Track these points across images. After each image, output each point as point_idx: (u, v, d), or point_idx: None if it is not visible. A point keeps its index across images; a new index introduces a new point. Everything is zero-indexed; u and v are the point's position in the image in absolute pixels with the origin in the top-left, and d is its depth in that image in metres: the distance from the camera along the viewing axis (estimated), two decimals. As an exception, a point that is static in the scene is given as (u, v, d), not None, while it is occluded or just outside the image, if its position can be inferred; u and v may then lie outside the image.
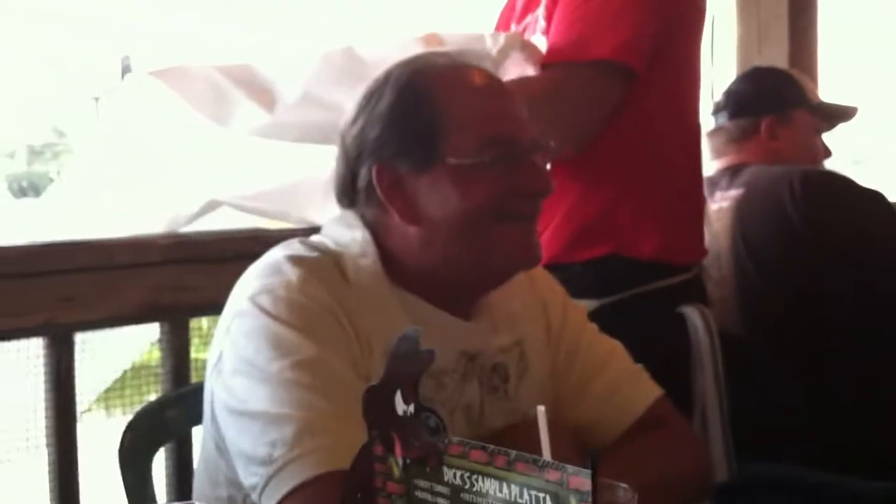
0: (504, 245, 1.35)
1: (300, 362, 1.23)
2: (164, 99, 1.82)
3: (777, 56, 3.23)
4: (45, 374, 1.78)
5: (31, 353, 1.79)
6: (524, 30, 2.04)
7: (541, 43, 1.93)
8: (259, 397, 1.23)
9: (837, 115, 2.57)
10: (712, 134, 2.50)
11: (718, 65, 3.33)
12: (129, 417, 1.58)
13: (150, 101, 1.84)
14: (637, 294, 1.92)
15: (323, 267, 1.33)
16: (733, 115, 2.47)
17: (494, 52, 1.77)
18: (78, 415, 1.82)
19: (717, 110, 2.52)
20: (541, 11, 1.96)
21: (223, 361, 1.30)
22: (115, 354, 2.01)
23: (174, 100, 1.82)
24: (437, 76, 1.37)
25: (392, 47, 1.70)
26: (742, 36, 3.31)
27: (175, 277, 1.86)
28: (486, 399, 1.41)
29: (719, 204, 2.36)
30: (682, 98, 1.99)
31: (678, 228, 1.99)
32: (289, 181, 1.97)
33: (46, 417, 1.78)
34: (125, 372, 2.06)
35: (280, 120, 1.81)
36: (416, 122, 1.33)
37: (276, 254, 1.36)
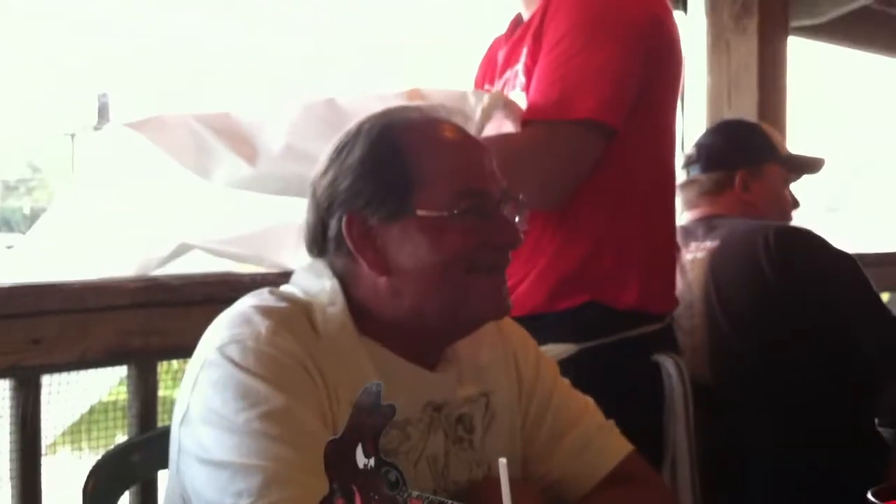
0: (473, 297, 1.36)
1: (268, 413, 1.23)
2: (143, 149, 1.81)
3: (747, 106, 3.28)
4: (11, 415, 1.77)
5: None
6: (504, 84, 2.06)
7: (520, 99, 1.95)
8: (226, 447, 1.23)
9: (806, 166, 2.61)
10: (685, 186, 2.53)
11: (689, 115, 3.38)
12: (98, 455, 1.57)
13: (127, 148, 1.83)
14: (614, 341, 1.94)
15: (292, 318, 1.33)
16: (706, 169, 2.51)
17: (478, 111, 1.78)
18: (43, 452, 1.81)
19: (690, 163, 2.55)
20: (520, 67, 1.98)
21: (190, 412, 1.30)
22: (83, 392, 1.99)
23: (153, 151, 1.81)
24: (408, 129, 1.38)
25: (374, 100, 1.71)
26: (712, 86, 3.37)
27: (144, 321, 1.86)
28: (451, 450, 1.42)
29: (694, 254, 2.39)
30: (658, 150, 2.03)
31: (655, 279, 2.01)
32: (261, 226, 1.97)
33: (11, 459, 1.77)
34: (92, 409, 2.05)
35: (262, 172, 1.81)
36: (387, 174, 1.34)
37: (244, 303, 1.37)
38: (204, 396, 1.28)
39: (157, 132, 1.81)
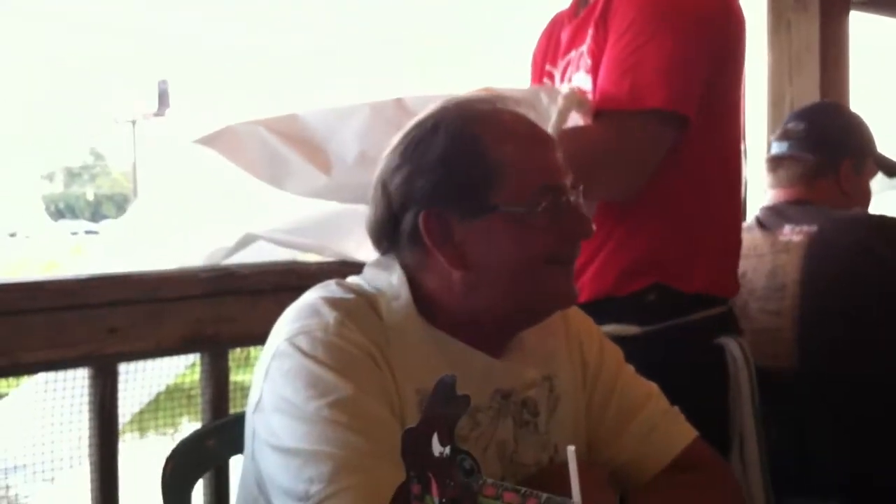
0: (547, 288, 1.38)
1: (337, 401, 1.26)
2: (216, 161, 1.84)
3: (808, 87, 3.25)
4: (90, 402, 1.83)
5: (76, 381, 1.85)
6: (567, 65, 2.06)
7: (586, 81, 1.96)
8: (297, 435, 1.26)
9: (891, 168, 2.56)
10: (785, 161, 2.46)
11: (749, 96, 3.34)
12: (162, 438, 1.62)
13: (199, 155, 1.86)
14: (678, 324, 1.95)
15: (359, 309, 1.36)
16: (814, 149, 2.43)
17: (553, 112, 1.78)
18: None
19: (792, 137, 2.47)
20: (585, 48, 1.98)
21: (263, 400, 1.34)
22: (153, 378, 2.05)
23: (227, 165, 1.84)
24: (485, 125, 1.38)
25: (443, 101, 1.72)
26: (773, 67, 3.33)
27: (215, 310, 1.91)
28: (519, 434, 1.44)
29: (789, 237, 2.36)
30: (726, 137, 2.02)
31: (721, 263, 2.02)
32: (325, 214, 1.99)
33: (90, 444, 1.84)
34: (159, 395, 2.10)
35: (338, 182, 1.82)
36: (468, 171, 1.36)
37: (312, 295, 1.40)
38: (275, 385, 1.32)
39: (229, 147, 1.83)
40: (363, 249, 2.03)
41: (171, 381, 2.09)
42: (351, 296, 1.39)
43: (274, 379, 1.32)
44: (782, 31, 3.33)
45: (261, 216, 1.99)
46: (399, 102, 1.85)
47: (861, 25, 3.67)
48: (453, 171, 1.35)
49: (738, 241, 2.10)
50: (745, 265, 2.34)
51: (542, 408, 1.47)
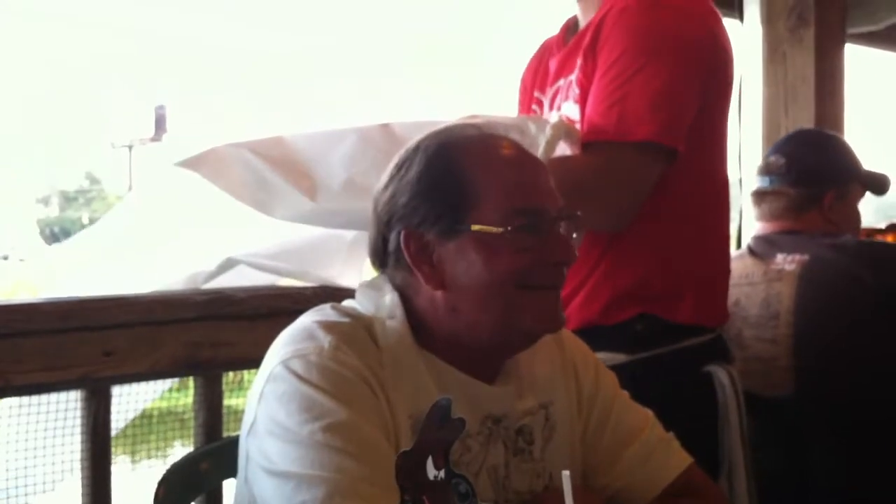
0: (527, 313, 1.37)
1: (331, 425, 1.26)
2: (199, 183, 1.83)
3: (804, 118, 3.26)
4: (82, 424, 1.83)
5: (69, 404, 1.84)
6: (556, 93, 2.07)
7: (574, 110, 1.96)
8: (291, 459, 1.26)
9: (881, 186, 2.58)
10: (769, 196, 2.49)
11: (745, 126, 3.37)
12: (153, 462, 1.61)
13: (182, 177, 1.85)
14: (666, 352, 1.95)
15: (353, 333, 1.37)
16: (796, 184, 2.46)
17: (541, 141, 1.79)
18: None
19: (775, 172, 2.50)
20: (574, 78, 1.99)
21: (257, 423, 1.33)
22: (137, 396, 2.04)
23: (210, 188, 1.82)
24: (464, 146, 1.41)
25: (429, 126, 1.72)
26: (769, 98, 3.35)
27: (211, 333, 1.91)
28: (512, 461, 1.44)
29: (782, 266, 2.38)
30: (713, 167, 2.02)
31: (709, 293, 2.02)
32: (307, 240, 1.99)
33: (83, 467, 1.83)
34: (150, 417, 2.09)
35: (324, 208, 1.82)
36: (442, 191, 1.37)
37: (307, 319, 1.40)
38: (269, 409, 1.32)
39: (213, 170, 1.82)
40: (346, 276, 2.04)
41: (157, 397, 2.07)
42: (346, 319, 1.39)
43: (268, 402, 1.32)
44: (778, 63, 3.35)
45: (242, 240, 1.98)
46: (386, 128, 1.86)
47: (856, 57, 3.71)
48: (428, 191, 1.37)
49: (727, 271, 2.10)
50: (737, 293, 2.36)
51: (537, 435, 1.47)
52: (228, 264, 1.97)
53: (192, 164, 1.82)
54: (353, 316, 1.41)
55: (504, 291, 1.36)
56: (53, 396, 1.83)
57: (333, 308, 1.43)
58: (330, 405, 1.27)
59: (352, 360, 1.32)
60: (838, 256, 2.32)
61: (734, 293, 2.26)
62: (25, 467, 1.86)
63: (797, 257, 2.36)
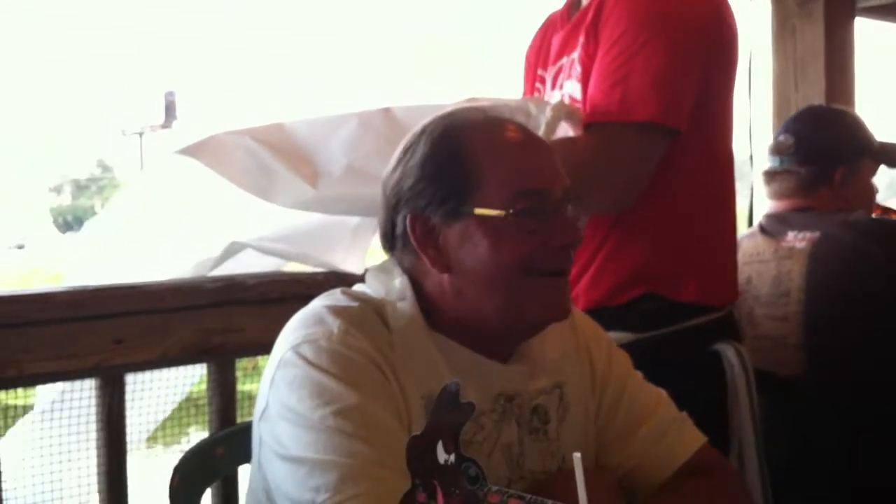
0: (534, 299, 1.37)
1: (342, 410, 1.26)
2: (202, 171, 1.82)
3: (814, 92, 3.24)
4: (97, 413, 1.84)
5: (83, 393, 1.85)
6: (559, 71, 2.06)
7: (576, 89, 1.96)
8: (303, 444, 1.27)
9: (892, 157, 2.57)
10: (777, 176, 2.50)
11: (756, 101, 3.34)
12: (170, 447, 1.62)
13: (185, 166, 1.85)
14: (673, 331, 1.94)
15: (363, 316, 1.37)
16: (805, 162, 2.46)
17: (542, 122, 1.78)
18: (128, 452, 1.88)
19: (784, 152, 2.50)
20: (576, 56, 1.98)
21: (269, 409, 1.34)
22: (166, 391, 2.05)
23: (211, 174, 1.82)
24: (470, 129, 1.40)
25: (431, 110, 1.70)
26: (778, 73, 3.33)
27: (222, 319, 1.91)
28: (526, 440, 1.44)
29: (793, 244, 2.38)
30: (716, 144, 2.01)
31: (715, 272, 2.01)
32: (312, 224, 1.99)
33: (98, 456, 1.84)
34: (173, 408, 2.10)
35: (324, 194, 1.82)
36: (446, 174, 1.37)
37: (318, 304, 1.40)
38: (281, 394, 1.32)
39: (214, 157, 1.81)
40: (349, 261, 2.03)
41: (185, 393, 2.08)
42: (356, 303, 1.40)
43: (279, 388, 1.33)
44: (787, 37, 3.33)
45: (246, 225, 1.97)
46: (387, 113, 1.85)
47: (866, 31, 3.68)
48: (433, 175, 1.37)
49: (733, 250, 2.09)
50: (749, 271, 2.36)
51: (552, 415, 1.47)
52: (233, 248, 1.97)
53: (192, 151, 1.82)
54: (364, 300, 1.41)
55: (509, 277, 1.35)
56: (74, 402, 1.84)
57: (344, 292, 1.44)
58: (340, 389, 1.28)
59: (362, 344, 1.32)
60: (848, 233, 2.32)
61: (746, 271, 2.25)
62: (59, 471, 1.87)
63: (808, 235, 2.36)
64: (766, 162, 2.55)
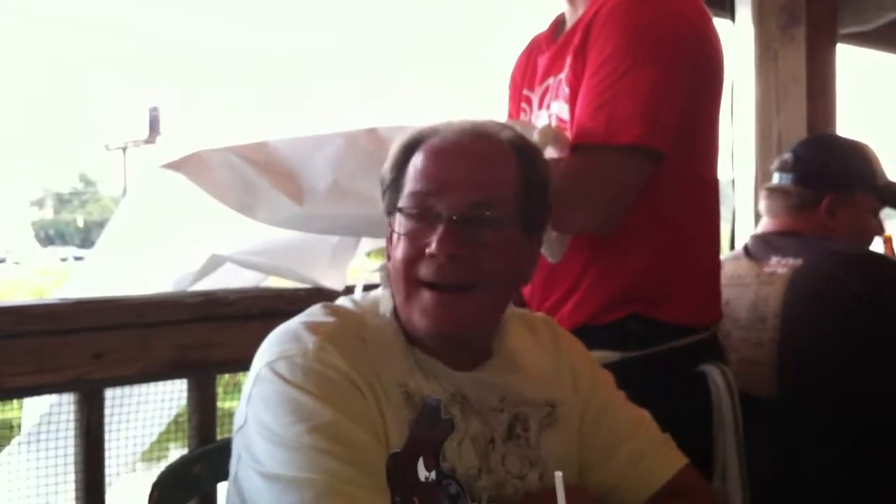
0: (414, 308, 1.38)
1: (317, 427, 1.26)
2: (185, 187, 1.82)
3: (795, 117, 3.26)
4: (75, 428, 1.82)
5: (62, 407, 1.84)
6: (545, 91, 2.07)
7: (563, 110, 1.97)
8: (278, 461, 1.26)
9: (891, 201, 2.53)
10: (772, 193, 2.50)
11: (738, 125, 3.37)
12: (151, 464, 1.61)
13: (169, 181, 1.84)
14: (658, 351, 1.95)
15: (339, 332, 1.37)
16: (797, 182, 2.46)
17: None
18: (107, 471, 1.86)
19: (783, 169, 2.51)
20: (564, 76, 1.98)
21: (247, 425, 1.34)
22: (153, 413, 2.04)
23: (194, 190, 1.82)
24: (424, 138, 1.42)
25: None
26: (760, 97, 3.35)
27: (202, 335, 1.90)
28: (503, 443, 1.42)
29: (774, 269, 2.38)
30: (703, 169, 2.02)
31: (699, 294, 2.01)
32: (294, 238, 1.98)
33: (76, 471, 1.83)
34: (168, 424, 2.09)
35: (309, 212, 1.81)
36: (394, 179, 1.41)
37: (295, 320, 1.41)
38: (257, 411, 1.32)
39: (198, 172, 1.81)
40: (330, 278, 2.03)
41: (173, 413, 2.07)
42: (332, 319, 1.40)
43: (255, 404, 1.33)
44: (769, 62, 3.35)
45: (227, 238, 1.97)
46: (372, 133, 1.85)
47: (848, 56, 3.71)
48: (388, 180, 1.43)
49: (717, 270, 2.10)
50: (728, 293, 2.36)
51: (533, 424, 1.47)
52: (214, 261, 1.97)
53: (176, 166, 1.82)
54: (342, 314, 1.42)
55: (399, 280, 1.38)
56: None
57: (323, 307, 1.44)
58: (315, 406, 1.28)
59: (336, 361, 1.32)
60: (829, 261, 2.32)
61: (725, 293, 2.26)
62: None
63: (790, 261, 2.36)
64: (772, 178, 2.56)
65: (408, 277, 1.36)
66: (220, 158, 1.83)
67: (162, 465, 1.60)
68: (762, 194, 2.53)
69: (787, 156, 2.52)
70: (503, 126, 1.48)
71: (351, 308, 1.44)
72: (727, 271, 2.38)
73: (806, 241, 2.39)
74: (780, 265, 2.37)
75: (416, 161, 1.39)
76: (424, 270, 1.35)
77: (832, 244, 2.37)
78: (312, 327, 1.37)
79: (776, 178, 2.51)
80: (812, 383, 2.26)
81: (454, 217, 1.34)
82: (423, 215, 1.35)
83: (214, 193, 1.81)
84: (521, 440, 1.45)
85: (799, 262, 2.34)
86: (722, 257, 2.19)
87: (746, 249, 2.49)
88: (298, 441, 1.25)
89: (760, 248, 2.44)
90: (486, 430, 1.41)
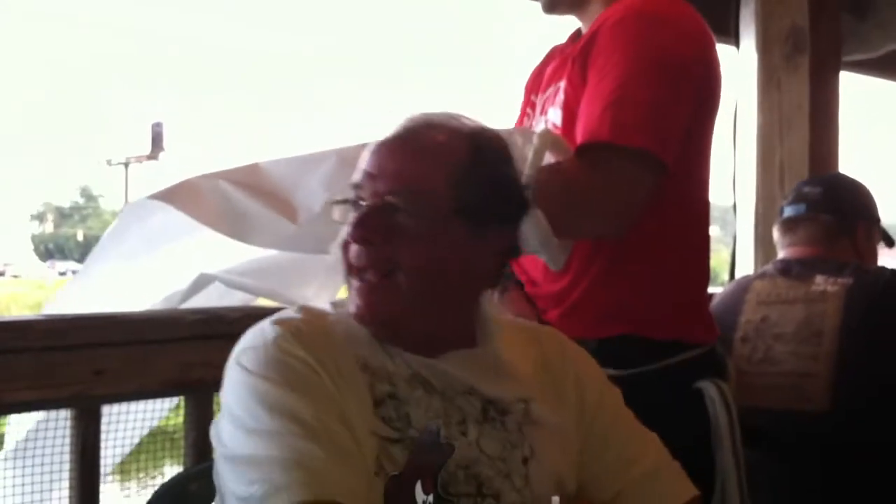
0: (351, 295, 1.43)
1: (276, 408, 1.30)
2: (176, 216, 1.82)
3: (798, 145, 3.27)
4: (71, 444, 1.82)
5: (58, 423, 1.83)
6: (546, 99, 2.08)
7: (557, 116, 1.97)
8: (241, 443, 1.30)
9: (890, 239, 2.72)
10: (802, 223, 2.59)
11: (740, 152, 3.37)
12: (145, 480, 1.60)
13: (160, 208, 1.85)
14: (652, 369, 1.95)
15: (302, 326, 1.40)
16: (829, 210, 2.57)
17: (529, 153, 1.77)
18: (101, 484, 1.86)
19: (810, 199, 2.61)
20: (562, 84, 1.99)
21: (219, 415, 1.39)
22: (138, 421, 2.03)
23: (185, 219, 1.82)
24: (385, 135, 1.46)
25: None
26: (763, 125, 3.36)
27: (202, 353, 1.90)
28: (482, 427, 1.41)
29: (823, 287, 2.46)
30: (696, 190, 2.03)
31: (691, 312, 2.02)
32: (285, 258, 1.98)
33: (70, 487, 1.82)
34: (142, 438, 2.09)
35: (304, 232, 1.81)
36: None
37: (266, 319, 1.44)
38: (225, 401, 1.37)
39: (188, 202, 1.81)
40: (322, 297, 2.03)
41: (153, 424, 2.07)
42: (299, 315, 1.43)
43: (224, 395, 1.38)
44: (773, 90, 3.36)
45: (216, 256, 1.97)
46: (364, 147, 1.86)
47: (852, 85, 3.72)
48: None
49: (706, 289, 2.12)
50: (767, 311, 2.47)
51: (513, 411, 1.45)
52: (202, 281, 1.97)
53: (165, 196, 1.82)
54: (310, 312, 1.45)
55: (343, 267, 1.43)
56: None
57: (296, 308, 1.47)
58: (274, 391, 1.32)
59: (295, 349, 1.36)
60: (881, 278, 2.43)
61: (764, 311, 2.33)
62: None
63: (839, 280, 2.44)
64: (784, 213, 2.65)
65: (346, 265, 1.42)
66: (210, 186, 1.83)
67: (156, 483, 1.60)
68: (782, 227, 2.63)
69: (809, 188, 2.65)
70: (462, 118, 1.47)
71: (325, 308, 1.48)
72: (760, 290, 2.47)
73: (846, 264, 2.49)
74: (828, 283, 2.45)
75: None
76: (347, 253, 1.42)
77: (872, 266, 2.51)
78: (279, 321, 1.41)
79: (799, 209, 2.61)
80: (864, 395, 2.33)
81: (364, 203, 1.41)
82: (354, 204, 1.42)
83: (206, 221, 1.81)
84: (497, 423, 1.43)
85: (849, 280, 2.43)
86: (744, 276, 2.19)
87: (780, 270, 2.57)
88: (258, 423, 1.29)
89: (798, 268, 2.53)
90: (455, 411, 1.40)
